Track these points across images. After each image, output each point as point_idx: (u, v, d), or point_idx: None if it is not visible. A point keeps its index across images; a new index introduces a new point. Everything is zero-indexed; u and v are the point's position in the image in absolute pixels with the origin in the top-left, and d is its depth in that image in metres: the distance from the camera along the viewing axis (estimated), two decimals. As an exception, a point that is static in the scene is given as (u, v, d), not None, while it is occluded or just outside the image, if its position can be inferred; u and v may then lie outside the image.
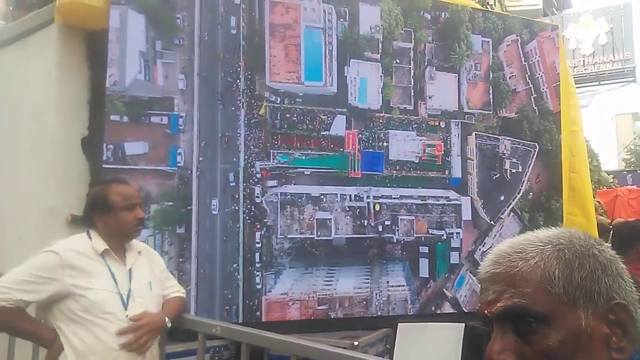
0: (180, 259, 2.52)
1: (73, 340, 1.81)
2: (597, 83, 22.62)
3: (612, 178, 19.70)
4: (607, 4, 21.33)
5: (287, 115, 2.70)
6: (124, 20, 2.54)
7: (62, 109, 2.64)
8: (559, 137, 3.89)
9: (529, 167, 3.69)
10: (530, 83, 3.80)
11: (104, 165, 2.45)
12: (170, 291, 2.09)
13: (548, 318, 0.67)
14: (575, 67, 20.97)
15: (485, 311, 0.72)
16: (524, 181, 3.64)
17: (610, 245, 0.75)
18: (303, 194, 2.66)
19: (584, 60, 20.90)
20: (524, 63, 3.81)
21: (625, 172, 22.13)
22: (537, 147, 3.74)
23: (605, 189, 15.98)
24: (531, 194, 3.66)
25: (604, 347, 0.67)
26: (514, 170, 3.60)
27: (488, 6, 9.16)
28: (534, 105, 3.79)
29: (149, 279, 1.99)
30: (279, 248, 2.58)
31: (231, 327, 2.06)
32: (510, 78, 3.68)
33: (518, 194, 3.60)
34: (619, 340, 0.68)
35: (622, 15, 20.55)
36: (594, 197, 13.27)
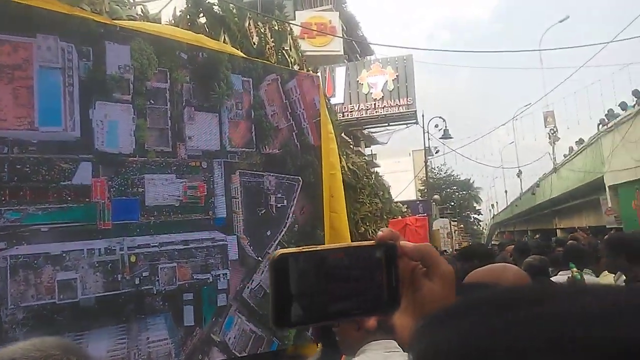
0: None
1: None
2: (386, 124, 25.54)
3: (406, 208, 22.24)
4: (393, 54, 24.22)
5: (18, 166, 2.38)
6: None
7: None
8: (320, 169, 4.16)
9: (294, 200, 3.86)
10: (291, 120, 3.99)
11: None
12: None
13: None
14: (367, 109, 23.49)
15: None
16: (289, 214, 3.79)
17: None
18: (40, 254, 2.35)
19: (375, 104, 23.49)
20: (285, 101, 3.99)
21: (417, 202, 25.16)
22: (301, 181, 3.94)
23: (399, 218, 17.87)
24: (297, 225, 3.82)
25: None
26: (279, 205, 3.73)
27: (284, 51, 9.52)
28: (296, 141, 3.98)
29: None
30: (10, 320, 2.24)
31: None
32: (272, 116, 3.81)
33: (284, 227, 3.73)
34: None
35: (405, 65, 23.50)
36: (387, 227, 14.62)
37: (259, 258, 3.47)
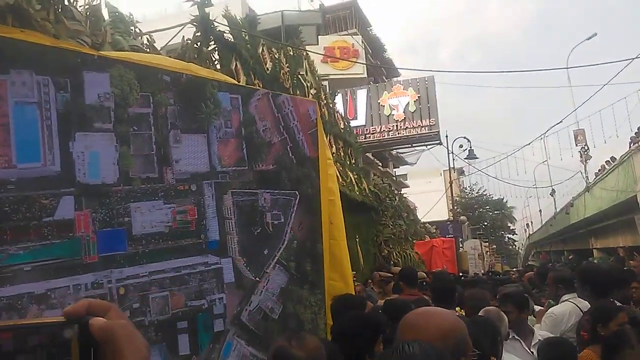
0: None
1: None
2: (409, 145, 25.44)
3: (435, 229, 22.12)
4: (414, 76, 24.17)
5: (-4, 207, 2.34)
6: None
7: None
8: (318, 181, 4.08)
9: (291, 216, 3.78)
10: (285, 133, 3.92)
11: None
12: None
13: None
14: (390, 131, 23.44)
15: None
16: (287, 231, 3.71)
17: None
18: (23, 294, 2.31)
19: (396, 125, 23.41)
20: (277, 114, 3.92)
21: (447, 223, 25.01)
22: (298, 195, 3.86)
23: (427, 239, 17.68)
24: (295, 242, 3.75)
25: None
26: (276, 222, 3.66)
27: (299, 75, 9.56)
28: (291, 154, 3.91)
29: None
30: (-5, 364, 2.20)
31: None
32: (264, 131, 3.74)
33: (282, 244, 3.66)
34: None
35: (427, 86, 23.39)
36: (412, 249, 14.60)
37: (257, 278, 3.40)
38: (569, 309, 4.61)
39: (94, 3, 4.41)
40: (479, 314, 3.76)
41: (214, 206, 3.25)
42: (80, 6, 4.10)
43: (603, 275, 4.82)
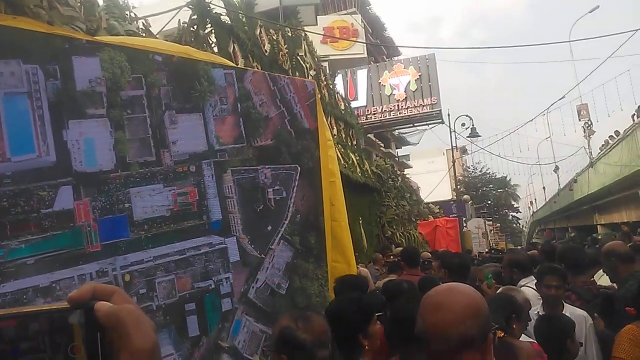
0: None
1: None
2: (411, 125, 25.02)
3: (438, 209, 21.96)
4: (415, 54, 23.59)
5: (-6, 202, 2.32)
6: None
7: None
8: (318, 152, 4.03)
9: (293, 190, 3.76)
10: (282, 106, 3.85)
11: None
12: None
13: None
14: (391, 111, 23.05)
15: None
16: (289, 205, 3.70)
17: None
18: (28, 288, 2.31)
19: (398, 105, 22.96)
20: (272, 88, 3.84)
21: (451, 203, 24.79)
22: (299, 168, 3.83)
23: (431, 219, 17.57)
24: (299, 216, 3.73)
25: None
26: (278, 197, 3.63)
27: (298, 57, 9.39)
28: (289, 128, 3.85)
29: None
30: None
31: None
32: (260, 105, 3.68)
33: (286, 219, 3.65)
34: None
35: (428, 64, 22.83)
36: (416, 229, 14.53)
37: (262, 255, 3.40)
38: (528, 295, 4.01)
39: (89, -12, 4.31)
40: (498, 291, 3.79)
41: (215, 186, 3.22)
42: (74, -8, 4.00)
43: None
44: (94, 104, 2.73)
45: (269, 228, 3.51)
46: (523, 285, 4.49)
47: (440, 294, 1.64)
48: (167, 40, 4.62)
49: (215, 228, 3.16)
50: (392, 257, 7.02)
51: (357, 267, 6.59)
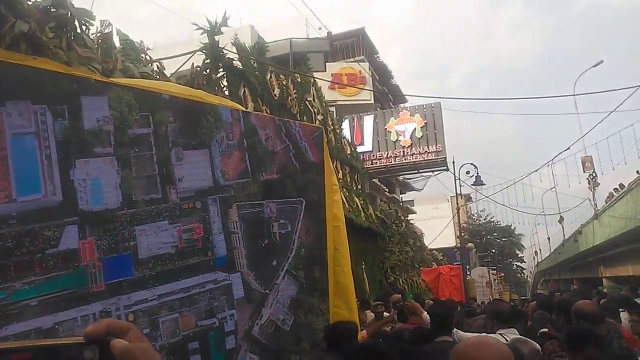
0: None
1: None
2: (416, 171, 25.21)
3: (442, 255, 21.94)
4: (421, 102, 23.95)
5: (-1, 243, 2.32)
6: None
7: None
8: (323, 186, 4.03)
9: (298, 224, 3.75)
10: (287, 140, 3.87)
11: None
12: None
13: None
14: (396, 157, 23.25)
15: None
16: (294, 239, 3.69)
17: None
18: (31, 330, 2.30)
19: (403, 151, 23.18)
20: (278, 122, 3.87)
21: (455, 250, 24.62)
22: (304, 202, 3.83)
23: (434, 266, 17.48)
24: (303, 249, 3.72)
25: None
26: (283, 232, 3.63)
27: (307, 102, 9.54)
28: (294, 161, 3.87)
29: None
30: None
31: None
32: (266, 140, 3.70)
33: (291, 253, 3.64)
34: None
35: (434, 112, 23.11)
36: (419, 276, 14.41)
37: (267, 291, 3.38)
38: None
39: (106, 31, 4.42)
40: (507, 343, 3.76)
41: (220, 221, 3.23)
42: (92, 34, 4.10)
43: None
44: (101, 142, 2.76)
45: (274, 263, 3.50)
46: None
47: (472, 347, 1.69)
48: (179, 83, 4.70)
49: (220, 264, 3.15)
50: (379, 306, 6.88)
51: (365, 313, 6.53)
